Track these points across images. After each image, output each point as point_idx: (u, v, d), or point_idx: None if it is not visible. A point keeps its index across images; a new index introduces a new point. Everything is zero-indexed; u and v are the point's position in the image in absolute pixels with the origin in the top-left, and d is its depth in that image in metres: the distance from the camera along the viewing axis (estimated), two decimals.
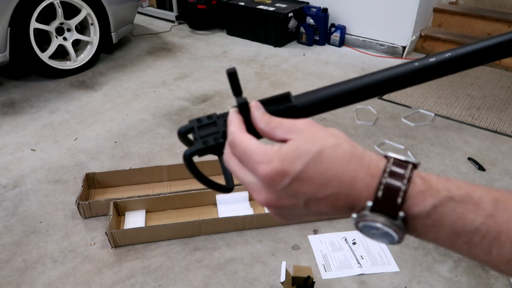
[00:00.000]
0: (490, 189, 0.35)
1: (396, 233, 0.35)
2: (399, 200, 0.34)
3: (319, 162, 0.35)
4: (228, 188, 0.48)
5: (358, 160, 0.36)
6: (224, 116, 0.45)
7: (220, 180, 0.47)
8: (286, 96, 0.45)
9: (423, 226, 0.35)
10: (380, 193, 0.34)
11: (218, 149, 0.45)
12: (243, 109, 0.42)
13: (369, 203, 0.35)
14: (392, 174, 0.35)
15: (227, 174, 0.49)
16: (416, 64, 0.45)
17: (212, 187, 0.48)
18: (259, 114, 0.41)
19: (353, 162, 0.36)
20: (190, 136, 0.47)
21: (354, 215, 0.36)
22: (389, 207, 0.34)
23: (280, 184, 0.36)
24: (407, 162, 0.36)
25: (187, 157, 0.45)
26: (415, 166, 0.36)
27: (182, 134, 0.47)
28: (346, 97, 0.47)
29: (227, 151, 0.41)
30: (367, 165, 0.36)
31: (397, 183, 0.34)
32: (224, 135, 0.44)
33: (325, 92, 0.47)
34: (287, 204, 0.37)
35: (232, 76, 0.42)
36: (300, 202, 0.37)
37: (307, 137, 0.37)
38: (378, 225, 0.35)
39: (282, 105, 0.44)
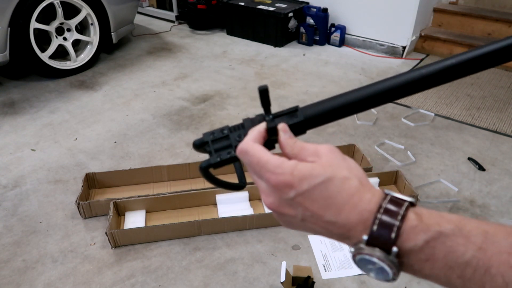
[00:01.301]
0: (480, 222, 0.36)
1: (390, 268, 0.37)
2: (393, 235, 0.36)
3: (325, 188, 0.38)
4: (241, 185, 0.53)
5: (360, 196, 0.38)
6: (237, 129, 0.49)
7: (227, 178, 0.51)
8: (294, 111, 0.48)
9: (418, 261, 0.36)
10: (375, 227, 0.36)
11: (231, 162, 0.49)
12: (271, 131, 0.46)
13: (365, 237, 0.37)
14: (387, 212, 0.37)
15: (239, 173, 0.53)
16: (423, 71, 0.46)
17: (227, 187, 0.53)
18: (285, 138, 0.44)
19: (355, 196, 0.38)
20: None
21: (352, 249, 0.38)
22: (384, 242, 0.36)
23: (285, 195, 0.39)
24: (403, 200, 0.38)
25: (204, 169, 0.50)
26: (412, 204, 0.38)
27: (198, 146, 0.51)
28: (350, 108, 0.49)
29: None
30: (368, 201, 0.38)
31: (391, 219, 0.36)
32: (236, 148, 0.47)
33: (330, 103, 0.48)
34: (287, 212, 0.41)
35: (264, 93, 0.46)
36: (299, 215, 0.40)
37: (324, 162, 0.40)
38: (374, 259, 0.37)
39: (291, 120, 0.47)
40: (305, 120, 0.47)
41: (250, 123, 0.48)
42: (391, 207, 0.37)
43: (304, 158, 0.41)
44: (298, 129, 0.47)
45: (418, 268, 0.36)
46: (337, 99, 0.48)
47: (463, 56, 0.44)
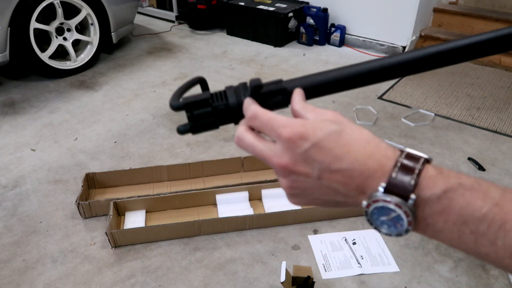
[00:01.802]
0: (498, 184, 0.36)
1: (406, 216, 0.36)
2: (412, 181, 0.35)
3: (339, 137, 0.38)
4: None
5: (376, 144, 0.38)
6: (219, 97, 0.48)
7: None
8: (279, 81, 0.47)
9: (433, 213, 0.35)
10: (394, 174, 0.36)
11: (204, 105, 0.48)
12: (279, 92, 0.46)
13: (383, 184, 0.36)
14: (408, 157, 0.37)
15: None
16: (413, 53, 0.46)
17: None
18: (299, 100, 0.44)
19: (371, 144, 0.38)
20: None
21: (364, 202, 0.37)
22: (402, 189, 0.35)
23: (299, 148, 0.38)
24: (420, 156, 0.38)
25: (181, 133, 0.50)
26: (427, 161, 0.38)
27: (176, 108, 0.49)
28: (342, 82, 0.49)
29: (241, 129, 0.44)
30: (384, 149, 0.38)
31: (412, 164, 0.36)
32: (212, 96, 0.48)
33: (319, 77, 0.48)
34: (302, 171, 0.39)
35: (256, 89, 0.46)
36: (314, 172, 0.38)
37: (333, 118, 0.40)
38: (391, 206, 0.36)
39: (274, 86, 0.46)
40: (287, 88, 0.46)
41: (232, 91, 0.48)
42: (412, 152, 0.37)
43: (313, 116, 0.41)
44: (282, 101, 0.47)
45: (432, 221, 0.36)
46: (328, 73, 0.48)
47: (461, 42, 0.44)
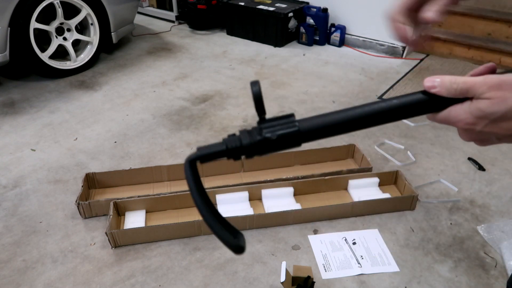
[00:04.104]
0: None
1: None
2: None
3: (506, 117, 0.45)
4: (237, 246, 0.50)
5: None
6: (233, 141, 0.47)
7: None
8: (290, 115, 0.48)
9: None
10: None
11: (220, 155, 0.47)
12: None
13: None
14: None
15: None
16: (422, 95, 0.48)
17: (217, 233, 0.50)
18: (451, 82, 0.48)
19: None
20: None
21: None
22: None
23: (473, 131, 0.47)
24: None
25: (190, 163, 0.47)
26: None
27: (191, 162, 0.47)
28: (350, 125, 0.49)
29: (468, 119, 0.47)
30: None
31: None
32: (226, 146, 0.47)
33: (330, 118, 0.48)
34: (483, 138, 0.49)
35: (257, 98, 0.46)
36: (492, 138, 0.48)
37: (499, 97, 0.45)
38: None
39: (288, 129, 0.47)
40: (303, 131, 0.47)
41: (247, 135, 0.47)
42: None
43: (478, 95, 0.45)
44: (293, 142, 0.47)
45: None
46: (338, 114, 0.48)
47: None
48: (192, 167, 0.46)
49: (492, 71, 0.50)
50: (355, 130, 0.49)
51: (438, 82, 0.46)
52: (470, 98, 0.46)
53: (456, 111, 0.46)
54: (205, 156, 0.47)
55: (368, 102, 0.49)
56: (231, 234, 0.48)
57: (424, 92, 0.47)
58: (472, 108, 0.45)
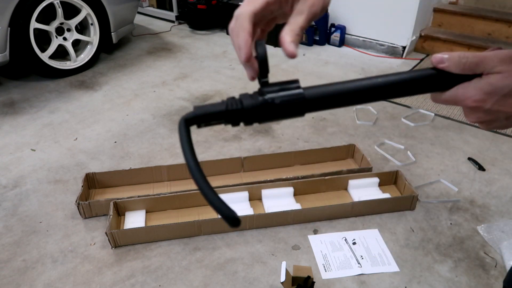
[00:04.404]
0: None
1: None
2: None
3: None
4: (233, 218, 0.43)
5: None
6: (234, 103, 0.43)
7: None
8: (295, 81, 0.44)
9: None
10: None
11: (219, 117, 0.43)
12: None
13: None
14: None
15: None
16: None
17: (213, 203, 0.43)
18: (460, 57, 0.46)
19: None
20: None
21: None
22: None
23: (481, 110, 0.45)
24: None
25: (184, 121, 0.43)
26: None
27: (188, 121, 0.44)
28: (356, 96, 0.46)
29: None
30: None
31: None
32: (226, 105, 0.43)
33: (336, 87, 0.45)
34: (490, 118, 0.46)
35: (263, 60, 0.43)
36: (501, 116, 0.45)
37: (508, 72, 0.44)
38: None
39: (292, 94, 0.44)
40: (309, 98, 0.44)
41: (248, 97, 0.43)
42: None
43: (489, 70, 0.43)
44: (297, 109, 0.44)
45: None
46: (346, 84, 0.45)
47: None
48: (187, 128, 0.42)
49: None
50: (362, 102, 0.46)
51: (447, 58, 0.44)
52: (479, 75, 0.44)
53: (465, 88, 0.44)
54: (202, 116, 0.43)
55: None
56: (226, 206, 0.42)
57: (433, 68, 0.45)
58: (482, 83, 0.43)
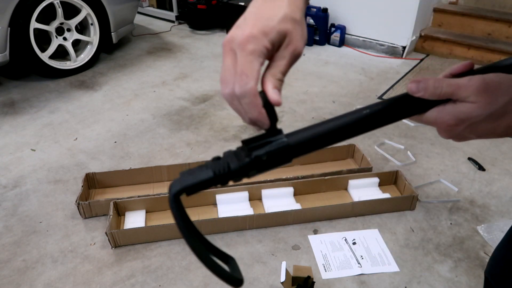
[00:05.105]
0: None
1: None
2: None
3: (485, 123, 0.47)
4: (236, 280, 0.44)
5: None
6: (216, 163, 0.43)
7: None
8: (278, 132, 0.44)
9: None
10: None
11: (209, 184, 0.43)
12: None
13: None
14: None
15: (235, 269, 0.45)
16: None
17: (213, 270, 0.44)
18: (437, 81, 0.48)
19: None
20: None
21: None
22: None
23: (454, 132, 0.48)
24: None
25: (175, 196, 0.41)
26: None
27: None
28: (339, 134, 0.46)
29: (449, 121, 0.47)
30: None
31: None
32: (214, 173, 0.42)
33: (317, 129, 0.46)
34: (463, 137, 0.48)
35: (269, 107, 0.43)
36: (473, 136, 0.48)
37: (483, 103, 0.46)
38: None
39: (277, 145, 0.43)
40: (293, 145, 0.44)
41: (233, 155, 0.43)
42: None
43: (463, 99, 0.45)
44: (284, 159, 0.44)
45: None
46: (326, 124, 0.46)
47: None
48: (177, 201, 0.41)
49: (470, 69, 0.50)
50: (346, 138, 0.47)
51: (422, 87, 0.46)
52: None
53: (439, 112, 0.46)
54: (191, 187, 0.41)
55: (367, 103, 0.48)
56: (225, 264, 0.45)
57: (408, 95, 0.47)
58: (456, 111, 0.45)
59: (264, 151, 0.42)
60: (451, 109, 0.46)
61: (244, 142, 0.44)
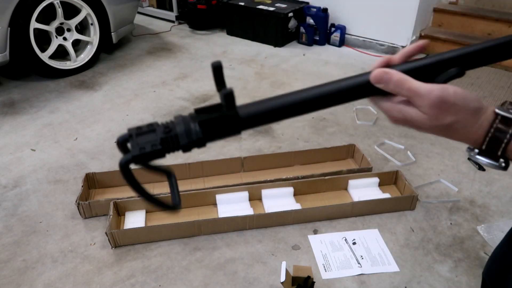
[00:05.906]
0: None
1: (501, 169, 0.49)
2: (499, 152, 0.47)
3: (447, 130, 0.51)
4: (174, 206, 0.47)
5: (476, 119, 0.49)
6: (167, 126, 0.44)
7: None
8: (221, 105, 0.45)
9: None
10: (484, 146, 0.48)
11: (157, 156, 0.44)
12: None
13: (476, 151, 0.49)
14: (497, 130, 0.47)
15: (175, 191, 0.48)
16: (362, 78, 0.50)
17: (152, 202, 0.47)
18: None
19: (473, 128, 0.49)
20: (129, 145, 0.45)
21: (471, 153, 0.51)
22: (493, 156, 0.48)
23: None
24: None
25: (123, 166, 0.44)
26: None
27: (121, 143, 0.45)
28: (293, 109, 0.47)
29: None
30: (480, 124, 0.48)
31: (500, 135, 0.47)
32: (162, 141, 0.43)
33: (270, 103, 0.46)
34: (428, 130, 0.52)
35: (217, 70, 0.44)
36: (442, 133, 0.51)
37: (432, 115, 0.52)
38: (486, 164, 0.49)
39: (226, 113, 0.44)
40: (240, 115, 0.44)
41: (181, 120, 0.45)
42: (501, 126, 0.47)
43: (417, 106, 0.49)
44: (232, 127, 0.45)
45: None
46: (281, 98, 0.47)
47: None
48: (126, 170, 0.44)
49: (422, 48, 0.54)
50: (297, 115, 0.47)
51: (385, 80, 0.49)
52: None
53: (391, 106, 0.51)
54: (137, 157, 0.43)
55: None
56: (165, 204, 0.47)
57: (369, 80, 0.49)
58: (406, 112, 0.50)
59: (210, 120, 0.44)
60: (402, 108, 0.50)
61: (197, 110, 0.45)
